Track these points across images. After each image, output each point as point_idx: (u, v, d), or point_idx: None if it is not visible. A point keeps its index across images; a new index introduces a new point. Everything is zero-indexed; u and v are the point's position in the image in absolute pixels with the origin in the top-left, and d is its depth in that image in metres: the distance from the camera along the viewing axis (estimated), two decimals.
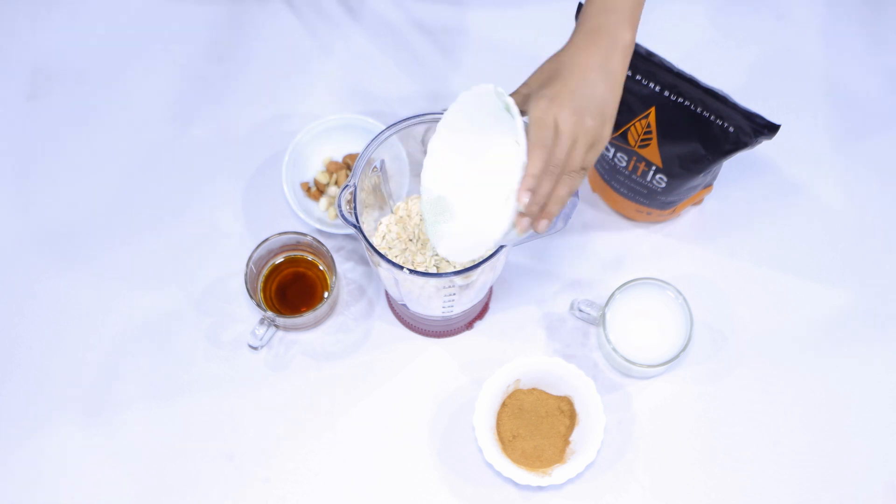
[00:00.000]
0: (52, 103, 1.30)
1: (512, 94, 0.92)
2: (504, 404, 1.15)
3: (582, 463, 1.11)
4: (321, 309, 1.16)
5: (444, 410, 1.18)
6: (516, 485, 1.14)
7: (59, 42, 1.32)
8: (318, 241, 1.16)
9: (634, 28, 0.90)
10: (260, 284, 1.20)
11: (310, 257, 1.20)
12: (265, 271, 1.20)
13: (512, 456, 1.14)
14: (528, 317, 1.21)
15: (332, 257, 1.16)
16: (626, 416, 1.17)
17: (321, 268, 1.20)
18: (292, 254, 1.21)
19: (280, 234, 1.17)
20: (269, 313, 1.14)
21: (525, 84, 0.93)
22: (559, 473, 1.12)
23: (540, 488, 1.14)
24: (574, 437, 1.14)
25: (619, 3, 0.89)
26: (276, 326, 1.18)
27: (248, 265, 1.15)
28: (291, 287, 1.21)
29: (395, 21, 1.33)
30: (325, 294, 1.19)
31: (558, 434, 1.15)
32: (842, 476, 1.16)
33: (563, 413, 1.15)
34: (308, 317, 1.15)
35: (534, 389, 1.16)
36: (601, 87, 0.88)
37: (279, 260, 1.21)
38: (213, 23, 1.33)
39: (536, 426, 1.15)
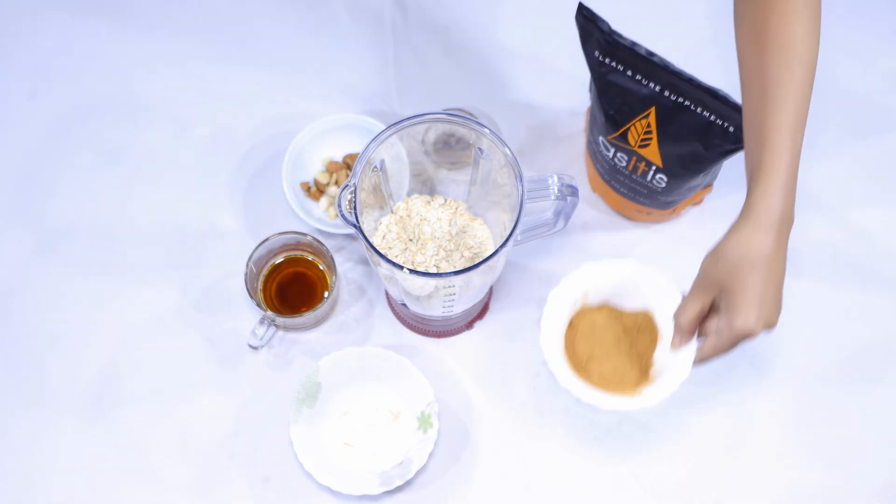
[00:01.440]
0: (52, 103, 1.30)
1: (690, 295, 0.94)
2: (571, 325, 1.07)
3: (676, 381, 1.00)
4: (321, 309, 1.16)
5: (446, 410, 1.18)
6: (598, 411, 1.07)
7: (59, 42, 1.32)
8: (318, 241, 1.16)
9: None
10: (260, 284, 1.20)
11: (310, 257, 1.21)
12: (265, 271, 1.20)
13: (590, 379, 1.04)
14: (528, 317, 1.21)
15: (332, 257, 1.16)
16: (626, 416, 1.17)
17: (321, 268, 1.20)
18: (292, 254, 1.21)
19: (280, 233, 1.17)
20: (269, 313, 1.14)
21: (703, 281, 0.92)
22: (650, 393, 1.01)
23: (626, 414, 1.13)
24: (658, 356, 1.04)
25: (789, 185, 0.85)
26: (276, 326, 1.18)
27: (248, 265, 1.15)
28: (291, 287, 1.21)
29: (395, 21, 1.33)
30: (325, 294, 1.19)
31: (638, 354, 1.05)
32: (842, 475, 1.16)
33: (642, 330, 1.05)
34: (308, 317, 1.15)
35: (604, 307, 1.08)
36: (780, 274, 0.88)
37: (279, 260, 1.21)
38: (213, 22, 1.33)
39: (613, 346, 1.06)
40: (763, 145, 0.83)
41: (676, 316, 0.97)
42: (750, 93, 0.83)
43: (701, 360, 0.96)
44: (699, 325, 0.97)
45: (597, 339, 1.07)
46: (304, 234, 1.17)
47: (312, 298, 1.20)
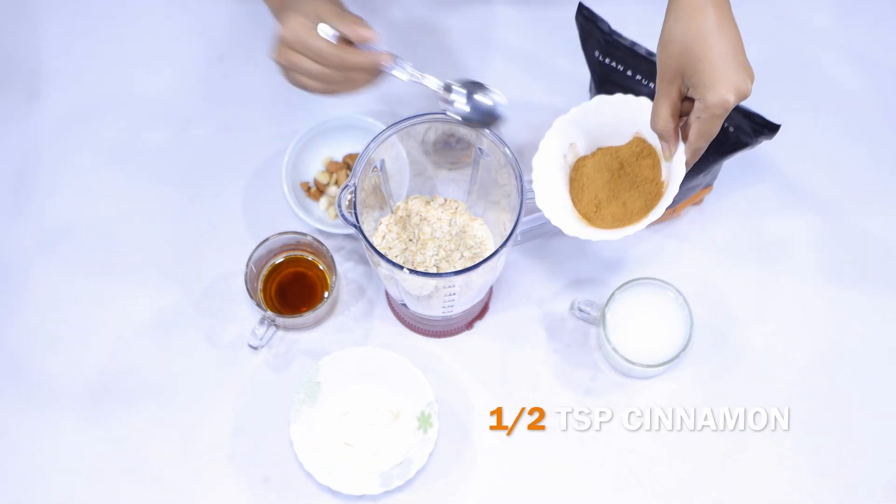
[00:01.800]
0: (52, 103, 1.30)
1: (657, 97, 0.92)
2: (572, 180, 1.04)
3: (675, 185, 0.95)
4: (321, 309, 1.16)
5: (446, 410, 1.18)
6: (611, 243, 1.06)
7: (59, 42, 1.32)
8: (318, 241, 1.16)
9: None
10: (260, 284, 1.20)
11: (310, 257, 1.21)
12: (265, 271, 1.20)
13: (603, 224, 1.01)
14: (528, 317, 1.21)
15: (332, 257, 1.16)
16: (626, 416, 1.17)
17: (321, 268, 1.20)
18: (292, 254, 1.21)
19: (280, 234, 1.17)
20: (269, 313, 1.14)
21: (663, 75, 0.91)
22: (657, 210, 0.97)
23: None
24: (665, 173, 0.98)
25: None
26: (276, 326, 1.18)
27: (248, 265, 1.15)
28: (291, 287, 1.21)
29: (395, 21, 1.33)
30: (325, 294, 1.19)
31: (647, 180, 1.00)
32: (843, 475, 1.16)
33: (641, 156, 1.01)
34: (308, 317, 1.15)
35: (596, 151, 1.03)
36: (733, 39, 0.86)
37: (279, 260, 1.21)
38: (213, 23, 1.33)
39: (617, 184, 1.02)
40: None
41: (652, 125, 0.95)
42: None
43: (692, 151, 0.94)
44: (682, 127, 0.95)
45: (598, 184, 1.02)
46: (304, 234, 1.17)
47: (312, 298, 1.20)
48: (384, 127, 1.05)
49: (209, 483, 1.16)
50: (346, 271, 1.23)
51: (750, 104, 1.06)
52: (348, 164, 1.26)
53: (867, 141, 1.28)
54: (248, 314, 1.21)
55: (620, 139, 1.02)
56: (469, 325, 1.21)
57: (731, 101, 0.86)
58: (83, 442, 1.17)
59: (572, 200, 1.03)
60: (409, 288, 1.04)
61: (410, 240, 1.09)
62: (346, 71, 0.95)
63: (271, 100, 1.30)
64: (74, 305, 1.22)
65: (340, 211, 0.97)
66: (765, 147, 1.13)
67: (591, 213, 1.02)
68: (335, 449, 1.15)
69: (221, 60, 1.32)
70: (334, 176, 1.25)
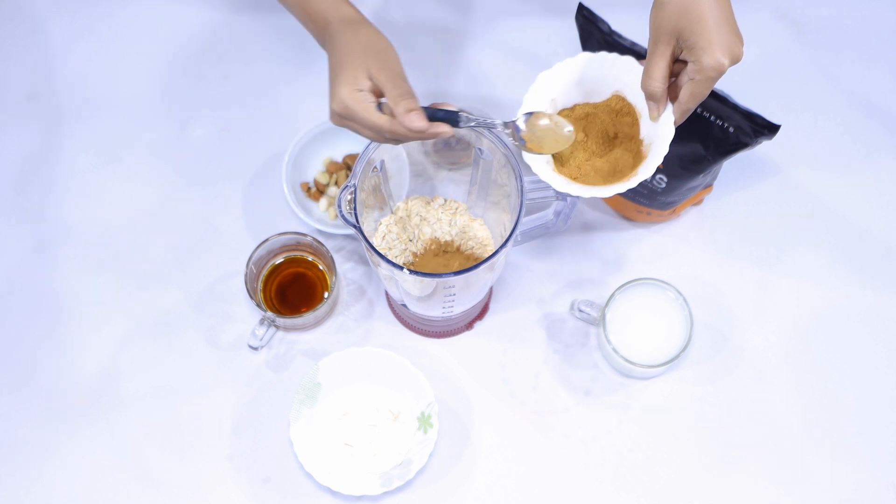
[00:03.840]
0: (52, 103, 1.30)
1: (650, 58, 0.92)
2: None
3: (665, 144, 0.96)
4: (321, 309, 1.16)
5: (446, 410, 1.18)
6: (597, 201, 1.05)
7: (59, 42, 1.32)
8: (318, 242, 1.16)
9: None
10: (260, 285, 1.20)
11: (310, 257, 1.21)
12: (265, 272, 1.20)
13: (588, 180, 1.00)
14: (528, 317, 1.21)
15: (332, 257, 1.16)
16: (626, 416, 1.17)
17: (321, 268, 1.20)
18: (292, 254, 1.21)
19: (280, 234, 1.17)
20: (269, 314, 1.14)
21: (657, 36, 0.92)
22: (643, 171, 0.97)
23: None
24: (644, 132, 0.99)
25: None
26: (276, 327, 1.18)
27: (248, 265, 1.15)
28: (291, 287, 1.21)
29: (395, 21, 1.33)
30: (325, 294, 1.19)
31: (627, 137, 1.00)
32: (844, 477, 1.16)
33: (621, 113, 1.00)
34: (308, 317, 1.15)
35: (576, 106, 1.02)
36: (726, 3, 0.88)
37: (279, 260, 1.21)
38: (213, 23, 1.33)
39: (599, 141, 1.01)
40: None
41: (644, 85, 0.95)
42: None
43: (681, 112, 0.94)
44: (670, 88, 0.95)
45: (582, 140, 1.01)
46: (304, 235, 1.17)
47: (312, 299, 1.20)
48: None
49: (209, 483, 1.16)
50: (346, 272, 1.23)
51: (750, 104, 1.06)
52: (348, 164, 1.26)
53: (867, 141, 1.28)
54: (248, 314, 1.21)
55: (599, 96, 1.01)
56: (469, 326, 1.21)
57: (727, 63, 0.87)
58: (83, 442, 1.17)
59: (554, 158, 1.02)
60: (409, 288, 1.04)
61: (410, 240, 1.09)
62: (403, 139, 0.94)
63: (271, 100, 1.30)
64: (74, 305, 1.22)
65: (340, 211, 0.97)
66: (765, 147, 1.14)
67: (576, 172, 1.01)
68: (335, 449, 1.15)
69: (221, 60, 1.32)
70: (334, 176, 1.25)
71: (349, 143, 1.26)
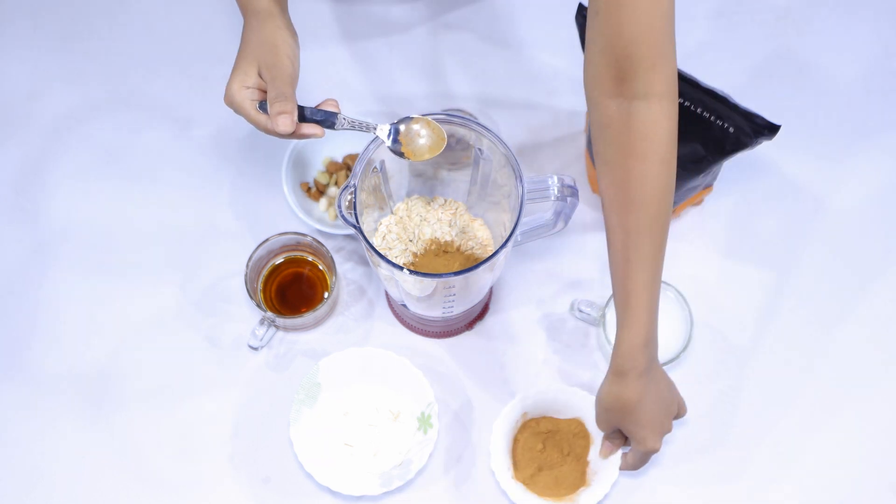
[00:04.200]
0: (52, 104, 1.30)
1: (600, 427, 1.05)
2: (516, 440, 1.15)
3: (607, 483, 1.11)
4: (321, 309, 1.16)
5: (446, 410, 1.18)
6: None
7: (59, 42, 1.32)
8: (318, 242, 1.16)
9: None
10: (260, 285, 1.20)
11: (310, 257, 1.21)
12: (265, 272, 1.20)
13: (536, 490, 1.13)
14: (528, 317, 1.21)
15: (332, 257, 1.16)
16: None
17: (321, 268, 1.20)
18: (292, 254, 1.21)
19: (280, 234, 1.17)
20: (269, 314, 1.15)
21: (602, 423, 1.04)
22: (586, 497, 1.12)
23: None
24: (592, 456, 1.14)
25: (648, 335, 0.95)
26: (276, 327, 1.18)
27: (248, 266, 1.15)
28: (291, 287, 1.21)
29: (395, 21, 1.33)
30: (326, 294, 1.19)
31: (576, 457, 1.14)
32: (845, 476, 1.16)
33: (577, 435, 1.15)
34: (308, 317, 1.15)
35: (542, 418, 1.16)
36: (657, 399, 0.99)
37: (279, 260, 1.21)
38: (213, 23, 1.33)
39: (553, 455, 1.14)
40: (627, 302, 0.94)
41: (600, 452, 1.09)
42: (614, 246, 0.95)
43: (626, 467, 1.06)
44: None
45: (539, 451, 1.14)
46: (304, 235, 1.17)
47: (312, 299, 1.20)
48: None
49: (209, 483, 1.16)
50: (346, 272, 1.23)
51: (750, 104, 1.06)
52: (348, 164, 1.26)
53: (867, 141, 1.28)
54: (248, 314, 1.21)
55: (563, 414, 1.15)
56: (469, 325, 1.21)
57: (659, 446, 1.01)
58: (83, 442, 1.17)
59: (513, 461, 1.15)
60: (410, 288, 1.04)
61: (410, 240, 1.09)
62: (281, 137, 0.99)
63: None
64: (74, 305, 1.22)
65: (340, 211, 0.97)
66: (765, 147, 1.13)
67: (528, 478, 1.13)
68: (335, 449, 1.15)
69: (221, 60, 1.32)
70: (334, 176, 1.25)
71: (349, 143, 1.26)
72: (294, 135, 0.96)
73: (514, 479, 1.13)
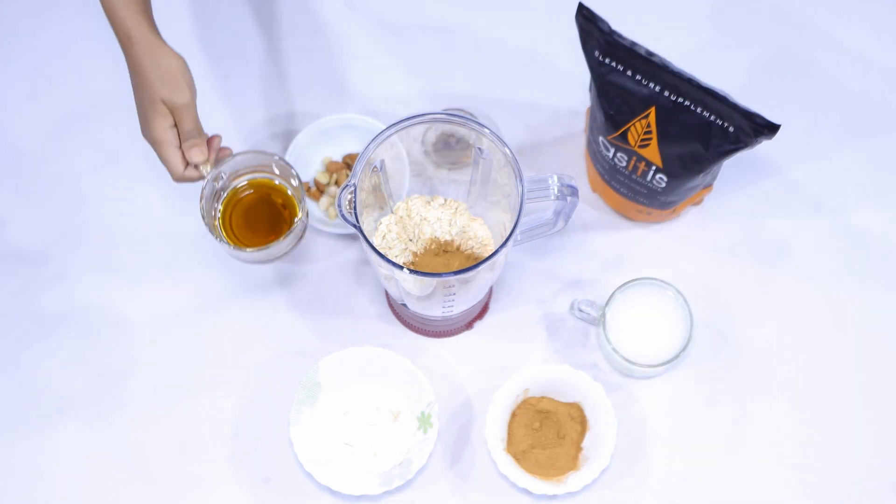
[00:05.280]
0: (52, 103, 1.30)
1: None
2: (514, 414, 1.15)
3: (597, 468, 1.11)
4: (291, 235, 1.07)
5: (446, 410, 1.18)
6: (531, 494, 1.14)
7: (59, 42, 1.32)
8: (284, 161, 1.08)
9: None
10: (219, 214, 1.11)
11: (277, 181, 1.12)
12: (225, 198, 1.11)
13: (526, 466, 1.14)
14: (528, 317, 1.21)
15: (299, 178, 1.08)
16: (626, 416, 1.17)
17: (290, 193, 1.11)
18: (255, 177, 1.12)
19: (242, 153, 1.08)
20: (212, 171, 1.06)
21: None
22: (574, 480, 1.12)
23: (556, 497, 1.14)
24: (586, 443, 1.14)
25: None
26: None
27: (206, 185, 1.07)
28: (255, 214, 1.13)
29: (395, 21, 1.33)
30: (296, 219, 1.09)
31: (571, 441, 1.14)
32: (846, 476, 1.16)
33: (574, 419, 1.15)
34: (279, 245, 1.07)
35: (543, 397, 1.16)
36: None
37: (241, 183, 1.12)
38: (212, 22, 1.33)
39: (549, 435, 1.15)
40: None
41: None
42: None
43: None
44: None
45: (535, 429, 1.15)
46: (271, 154, 1.09)
47: (279, 227, 1.12)
48: (384, 127, 1.05)
49: (209, 483, 1.16)
50: (346, 271, 1.23)
51: (750, 104, 1.06)
52: (348, 164, 1.26)
53: (867, 141, 1.28)
54: (248, 315, 1.21)
55: (564, 397, 1.16)
56: (469, 325, 1.21)
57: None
58: (83, 442, 1.17)
59: (508, 434, 1.15)
60: (409, 288, 1.04)
61: (410, 240, 1.09)
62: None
63: (271, 100, 1.30)
64: (74, 306, 1.22)
65: (340, 211, 0.97)
66: (765, 147, 1.13)
67: (521, 453, 1.14)
68: (335, 449, 1.15)
69: (221, 60, 1.32)
70: (334, 176, 1.25)
71: (349, 143, 1.26)
72: (183, 176, 1.04)
73: (504, 452, 1.13)
